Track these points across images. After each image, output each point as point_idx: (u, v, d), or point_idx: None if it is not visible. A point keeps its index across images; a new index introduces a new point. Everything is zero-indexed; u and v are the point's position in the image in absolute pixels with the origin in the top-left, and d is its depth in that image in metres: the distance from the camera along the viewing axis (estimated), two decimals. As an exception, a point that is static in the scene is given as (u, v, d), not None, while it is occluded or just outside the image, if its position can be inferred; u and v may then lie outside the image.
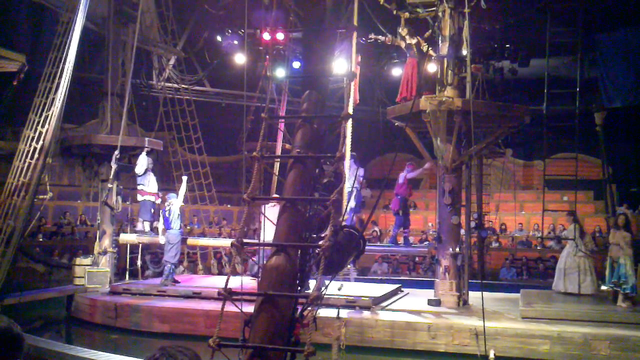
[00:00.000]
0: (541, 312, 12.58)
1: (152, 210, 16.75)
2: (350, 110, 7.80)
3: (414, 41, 14.53)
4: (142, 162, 16.52)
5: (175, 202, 15.68)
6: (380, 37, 15.36)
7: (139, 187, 16.74)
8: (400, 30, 14.75)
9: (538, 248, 21.89)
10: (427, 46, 14.58)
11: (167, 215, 15.56)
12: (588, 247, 14.68)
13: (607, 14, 17.82)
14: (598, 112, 15.54)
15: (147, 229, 16.88)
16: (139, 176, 16.57)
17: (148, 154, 16.75)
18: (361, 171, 16.15)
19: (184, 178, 17.20)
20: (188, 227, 18.93)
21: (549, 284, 16.05)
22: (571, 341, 11.27)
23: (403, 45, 14.93)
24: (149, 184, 16.63)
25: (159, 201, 16.68)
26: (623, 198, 22.76)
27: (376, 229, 23.28)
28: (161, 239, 15.74)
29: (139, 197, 16.78)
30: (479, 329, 10.76)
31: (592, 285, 14.25)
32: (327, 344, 11.72)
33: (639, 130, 21.60)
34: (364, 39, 17.66)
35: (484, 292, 11.13)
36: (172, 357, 2.32)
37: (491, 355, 9.99)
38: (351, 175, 14.12)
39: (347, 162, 13.61)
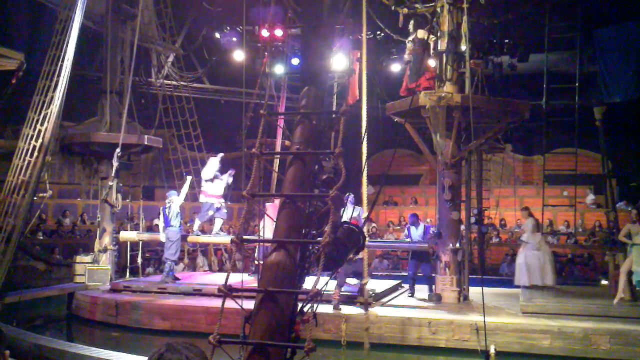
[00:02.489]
0: (541, 307, 12.59)
1: (211, 213, 16.47)
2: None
3: (425, 36, 14.48)
4: (213, 167, 16.43)
5: (176, 200, 15.71)
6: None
7: (202, 188, 16.51)
8: (409, 26, 14.71)
9: (538, 243, 21.88)
10: (434, 38, 14.51)
11: (167, 212, 15.58)
12: (546, 239, 15.09)
13: (606, 8, 17.81)
14: (597, 107, 15.52)
15: (195, 228, 16.70)
16: (207, 180, 16.37)
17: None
18: (358, 210, 15.67)
19: (188, 178, 17.13)
20: (188, 224, 18.89)
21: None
22: (571, 336, 11.28)
23: (411, 38, 14.85)
24: (213, 187, 16.43)
25: (220, 203, 16.41)
26: (623, 193, 22.78)
27: (374, 224, 23.31)
28: (161, 237, 15.75)
29: (202, 198, 16.57)
30: (480, 324, 10.77)
31: (553, 277, 14.42)
32: (328, 340, 11.77)
33: (638, 125, 21.59)
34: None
35: (484, 288, 11.15)
36: (177, 352, 2.34)
37: (492, 350, 10.00)
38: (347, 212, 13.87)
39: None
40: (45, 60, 14.68)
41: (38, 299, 15.01)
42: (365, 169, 11.12)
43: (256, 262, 15.45)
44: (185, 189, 16.39)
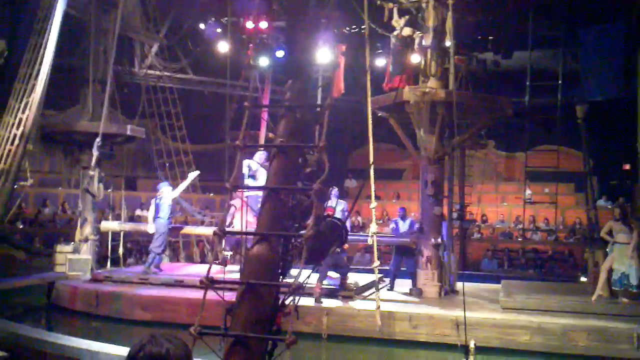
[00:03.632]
0: (521, 303, 12.70)
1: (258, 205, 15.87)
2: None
3: (410, 33, 14.52)
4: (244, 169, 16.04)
5: (168, 193, 15.42)
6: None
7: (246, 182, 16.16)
8: (400, 22, 14.72)
9: (519, 239, 22.07)
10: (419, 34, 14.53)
11: (158, 203, 15.35)
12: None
13: (589, 8, 17.94)
14: (579, 105, 15.64)
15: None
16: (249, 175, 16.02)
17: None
18: (342, 204, 15.65)
19: (193, 173, 16.95)
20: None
21: (530, 276, 16.10)
22: (550, 332, 11.38)
23: (395, 33, 14.86)
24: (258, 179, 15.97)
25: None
26: (604, 190, 23.03)
27: (359, 218, 23.35)
28: (150, 228, 15.53)
29: (247, 192, 16.25)
30: (460, 319, 10.83)
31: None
32: (309, 333, 11.79)
33: (619, 124, 21.80)
34: (348, 28, 17.66)
35: (465, 283, 11.20)
36: (159, 344, 2.33)
37: (471, 345, 10.08)
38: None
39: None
40: (28, 47, 14.52)
41: (18, 288, 14.87)
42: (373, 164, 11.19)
43: (224, 252, 15.38)
44: (184, 184, 16.17)
